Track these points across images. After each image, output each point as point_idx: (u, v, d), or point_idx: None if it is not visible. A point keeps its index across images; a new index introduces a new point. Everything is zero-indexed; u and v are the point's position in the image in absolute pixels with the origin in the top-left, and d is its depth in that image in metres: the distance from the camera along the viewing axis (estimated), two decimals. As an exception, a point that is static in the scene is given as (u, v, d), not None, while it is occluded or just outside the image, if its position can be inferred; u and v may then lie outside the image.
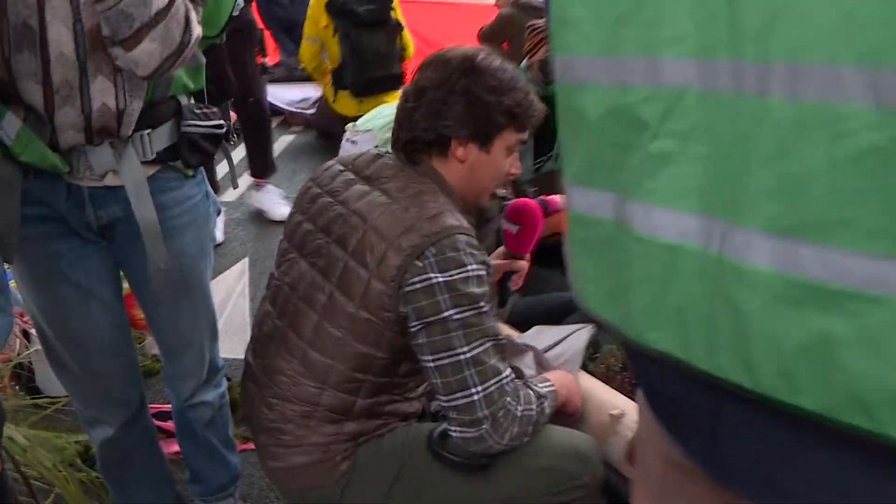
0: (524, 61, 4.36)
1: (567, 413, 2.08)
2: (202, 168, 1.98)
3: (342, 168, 1.99)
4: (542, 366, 2.28)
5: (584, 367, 2.70)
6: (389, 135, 3.36)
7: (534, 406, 1.82)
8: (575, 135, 1.03)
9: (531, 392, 1.85)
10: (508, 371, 1.78)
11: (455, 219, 1.78)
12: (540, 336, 2.51)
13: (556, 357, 2.41)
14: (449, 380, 1.73)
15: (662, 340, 0.91)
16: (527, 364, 2.25)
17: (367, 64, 5.19)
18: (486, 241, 2.86)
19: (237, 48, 4.00)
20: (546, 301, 3.17)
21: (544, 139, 4.33)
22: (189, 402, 2.22)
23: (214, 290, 3.88)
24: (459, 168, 1.90)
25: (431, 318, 1.72)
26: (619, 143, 0.92)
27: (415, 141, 1.88)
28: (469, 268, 1.73)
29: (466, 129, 1.84)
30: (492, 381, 1.72)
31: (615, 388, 2.67)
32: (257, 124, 4.68)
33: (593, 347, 2.75)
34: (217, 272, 4.07)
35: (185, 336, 2.09)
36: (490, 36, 5.85)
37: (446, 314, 1.71)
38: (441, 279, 1.71)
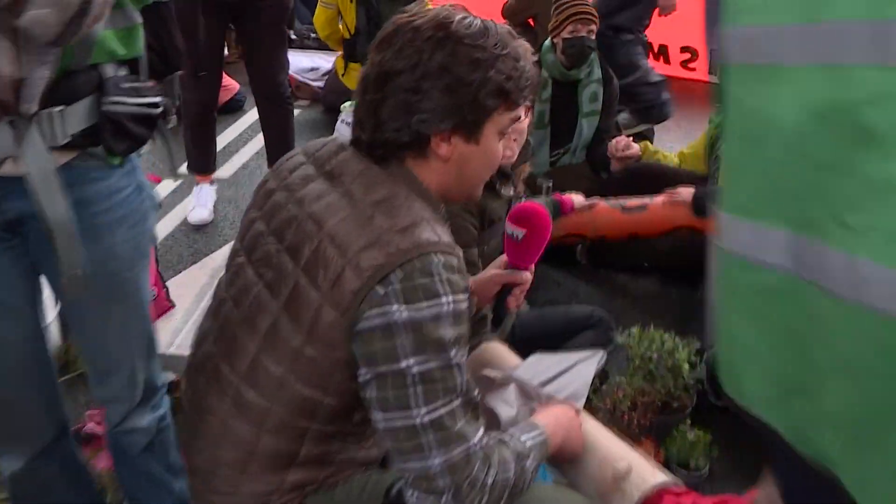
0: (548, 40, 4.00)
1: (564, 458, 1.80)
2: (132, 156, 1.63)
3: (303, 159, 1.65)
4: (531, 398, 1.94)
5: (586, 401, 2.37)
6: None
7: (511, 469, 1.52)
8: (751, 148, 0.74)
9: (508, 452, 1.55)
10: (480, 434, 1.48)
11: (432, 232, 1.45)
12: (539, 365, 2.16)
13: (558, 390, 2.06)
14: (402, 445, 1.43)
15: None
16: (506, 400, 1.92)
17: None
18: (490, 244, 2.52)
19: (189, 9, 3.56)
20: (552, 316, 2.83)
21: (561, 130, 4.06)
22: (120, 427, 1.89)
23: (198, 273, 3.66)
24: (442, 167, 1.56)
25: (384, 369, 1.41)
26: (825, 162, 0.62)
27: (385, 144, 1.53)
28: (443, 301, 1.40)
29: (448, 121, 1.50)
30: (456, 450, 1.43)
31: (622, 430, 2.35)
32: (277, 108, 4.20)
33: (599, 378, 2.41)
34: (204, 254, 3.80)
35: (112, 354, 1.77)
36: (516, 10, 5.50)
37: (403, 365, 1.39)
38: (405, 315, 1.39)
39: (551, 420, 1.76)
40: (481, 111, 1.51)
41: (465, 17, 1.50)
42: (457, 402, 1.44)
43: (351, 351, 1.43)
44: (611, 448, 1.93)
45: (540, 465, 1.66)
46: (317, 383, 1.47)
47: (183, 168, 4.24)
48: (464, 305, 1.44)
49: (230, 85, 5.37)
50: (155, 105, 1.57)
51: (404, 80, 1.47)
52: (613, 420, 2.38)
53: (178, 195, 4.34)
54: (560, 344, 2.64)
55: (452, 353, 1.41)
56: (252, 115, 5.18)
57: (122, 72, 1.54)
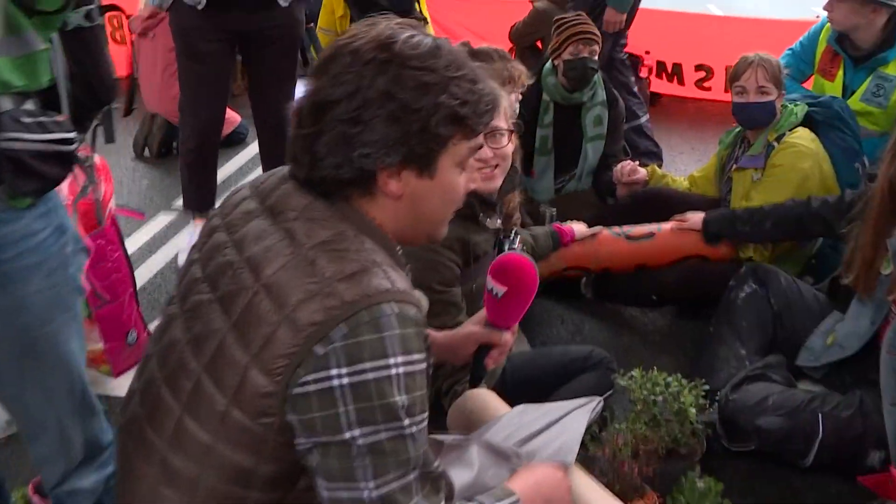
0: (548, 62, 3.83)
1: None
2: (51, 195, 1.47)
3: (247, 193, 1.48)
4: (506, 458, 1.73)
5: (582, 449, 2.16)
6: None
7: None
8: None
9: None
10: None
11: (385, 278, 1.27)
12: (523, 417, 1.95)
13: (544, 445, 1.84)
14: None
15: None
16: (466, 462, 1.70)
17: None
18: (477, 281, 2.33)
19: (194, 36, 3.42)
20: (547, 357, 2.62)
21: (565, 155, 3.88)
22: (60, 489, 1.73)
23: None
24: (395, 206, 1.39)
25: (325, 439, 1.24)
26: None
27: (324, 181, 1.35)
28: (391, 362, 1.23)
29: (395, 155, 1.32)
30: None
31: (622, 480, 2.14)
32: (280, 141, 3.92)
33: (598, 424, 2.21)
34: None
35: (34, 414, 1.62)
36: (522, 33, 5.38)
37: (347, 436, 1.22)
38: (346, 380, 1.21)
39: (530, 485, 1.57)
40: (433, 141, 1.33)
41: (411, 36, 1.33)
42: (412, 476, 1.27)
43: (286, 418, 1.26)
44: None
45: None
46: (248, 449, 1.30)
47: (178, 203, 4.10)
48: (419, 367, 1.27)
49: (231, 117, 5.25)
50: (67, 141, 1.41)
51: (342, 110, 1.30)
52: (612, 471, 2.16)
53: (172, 230, 4.18)
54: (555, 388, 2.45)
55: (405, 421, 1.24)
56: (254, 148, 5.05)
57: (28, 105, 1.38)
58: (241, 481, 1.32)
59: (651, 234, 3.10)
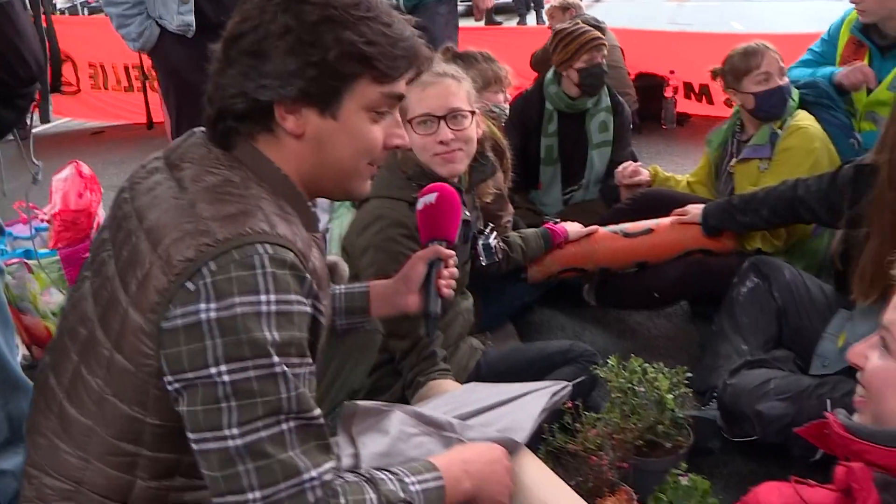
0: (550, 72, 3.76)
1: None
2: None
3: (160, 153, 1.46)
4: (441, 429, 1.61)
5: (550, 441, 2.02)
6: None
7: None
8: None
9: (371, 495, 1.28)
10: (324, 468, 1.22)
11: (265, 221, 1.24)
12: (473, 394, 1.84)
13: (492, 422, 1.72)
14: (216, 475, 1.19)
15: None
16: (381, 429, 1.59)
17: None
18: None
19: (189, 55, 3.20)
20: (524, 352, 2.50)
21: (573, 165, 3.79)
22: None
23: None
24: (298, 147, 1.36)
25: (192, 376, 1.18)
26: None
27: (223, 114, 1.34)
28: (262, 298, 1.18)
29: (292, 87, 1.30)
30: (282, 485, 1.19)
31: (593, 475, 1.98)
32: None
33: (572, 416, 2.06)
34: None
35: None
36: (543, 59, 5.27)
37: (213, 371, 1.17)
38: (213, 314, 1.17)
39: (456, 462, 1.46)
40: (333, 78, 1.31)
41: None
42: (286, 425, 1.19)
43: (161, 359, 1.22)
44: (536, 492, 1.58)
45: None
46: (134, 399, 1.27)
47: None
48: (296, 308, 1.22)
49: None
50: None
51: (246, 44, 1.30)
52: (582, 465, 2.01)
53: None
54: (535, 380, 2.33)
55: (276, 359, 1.18)
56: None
57: None
58: (129, 437, 1.29)
59: (649, 230, 2.94)
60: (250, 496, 1.17)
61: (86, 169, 3.04)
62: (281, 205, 1.32)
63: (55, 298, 2.94)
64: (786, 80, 3.15)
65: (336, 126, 1.35)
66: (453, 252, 1.85)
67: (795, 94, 3.19)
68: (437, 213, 1.86)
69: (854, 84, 3.29)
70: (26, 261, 2.86)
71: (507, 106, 3.12)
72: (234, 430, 1.16)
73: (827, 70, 3.46)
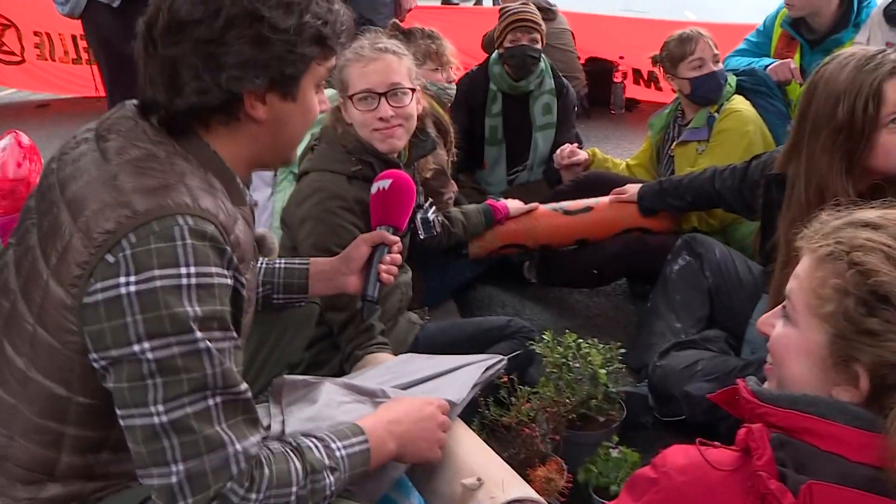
0: (495, 52, 3.78)
1: (414, 462, 1.57)
2: None
3: (93, 125, 1.43)
4: (373, 397, 1.63)
5: (485, 414, 2.06)
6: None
7: (293, 487, 1.28)
8: None
9: (296, 464, 1.29)
10: (249, 441, 1.23)
11: (187, 195, 1.24)
12: (407, 366, 1.86)
13: (427, 392, 1.75)
14: (141, 449, 1.20)
15: None
16: (311, 400, 1.61)
17: None
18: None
19: None
20: (462, 327, 2.52)
21: (517, 146, 3.81)
22: None
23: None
24: (255, 130, 1.37)
25: (116, 353, 1.18)
26: None
27: (190, 111, 1.30)
28: (182, 271, 1.18)
29: (263, 78, 1.30)
30: (205, 458, 1.20)
31: (525, 446, 2.02)
32: None
33: (507, 390, 2.09)
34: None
35: None
36: (491, 40, 5.30)
37: (136, 349, 1.17)
38: (133, 288, 1.17)
39: (383, 422, 1.48)
40: (300, 63, 1.32)
41: None
42: (212, 401, 1.20)
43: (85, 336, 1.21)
44: (467, 459, 1.61)
45: (353, 479, 1.40)
46: (58, 376, 1.26)
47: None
48: (217, 281, 1.22)
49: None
50: None
51: (204, 30, 1.26)
52: (516, 437, 2.04)
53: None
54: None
55: (199, 335, 1.18)
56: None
57: None
58: (54, 415, 1.28)
59: (589, 208, 2.99)
60: (174, 468, 1.18)
61: (25, 139, 2.99)
62: (208, 178, 1.31)
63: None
64: (720, 66, 3.22)
65: (294, 106, 1.38)
66: (399, 240, 1.87)
67: (732, 80, 3.27)
68: (389, 199, 1.90)
69: (781, 79, 3.39)
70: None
71: (449, 85, 3.13)
72: (160, 407, 1.17)
73: (765, 61, 3.55)
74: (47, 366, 1.26)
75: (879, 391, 1.07)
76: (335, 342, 2.22)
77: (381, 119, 2.19)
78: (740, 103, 3.18)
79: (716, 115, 3.17)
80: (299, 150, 2.63)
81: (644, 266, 2.96)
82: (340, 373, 2.17)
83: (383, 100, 2.18)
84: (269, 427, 1.54)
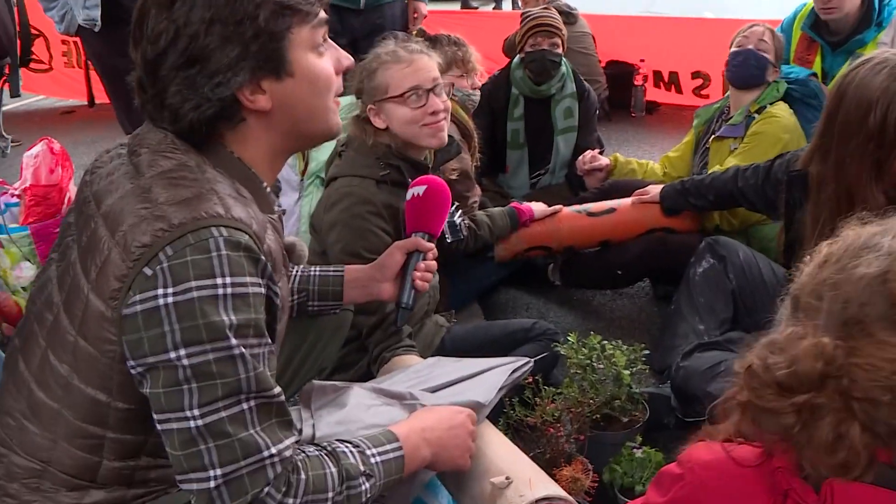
0: (517, 56, 3.82)
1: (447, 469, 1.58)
2: None
3: (125, 140, 1.47)
4: (403, 400, 1.67)
5: (511, 415, 2.09)
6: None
7: (329, 492, 1.31)
8: None
9: (332, 470, 1.32)
10: (283, 445, 1.26)
11: (220, 205, 1.26)
12: (434, 369, 1.89)
13: (455, 394, 1.78)
14: (178, 454, 1.23)
15: None
16: (340, 404, 1.64)
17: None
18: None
19: None
20: (488, 329, 2.56)
21: (539, 149, 3.84)
22: None
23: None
24: (266, 121, 1.38)
25: (153, 360, 1.22)
26: None
27: (193, 127, 1.33)
28: (217, 282, 1.21)
29: (244, 72, 1.31)
30: (241, 463, 1.23)
31: (550, 446, 2.05)
32: None
33: (532, 391, 2.13)
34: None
35: None
36: (513, 44, 5.34)
37: (173, 356, 1.20)
38: (171, 299, 1.20)
39: (417, 429, 1.51)
40: (273, 41, 1.32)
41: None
42: (246, 404, 1.24)
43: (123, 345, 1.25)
44: (495, 458, 1.65)
45: (387, 485, 1.42)
46: (99, 383, 1.30)
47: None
48: (252, 290, 1.25)
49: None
50: None
51: (174, 58, 1.29)
52: (542, 436, 2.08)
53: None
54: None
55: (234, 342, 1.21)
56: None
57: None
58: (95, 419, 1.32)
59: (612, 209, 3.03)
60: (211, 473, 1.21)
61: (56, 145, 3.04)
62: (237, 187, 1.34)
63: (26, 273, 2.95)
64: (769, 55, 3.22)
65: (295, 81, 1.36)
66: (434, 246, 1.88)
67: (781, 86, 3.24)
68: (424, 206, 1.90)
69: None
70: (-8, 235, 2.86)
71: (473, 91, 3.17)
72: (196, 412, 1.20)
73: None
74: (88, 374, 1.30)
75: None
76: (363, 344, 2.25)
77: (432, 114, 2.25)
78: (782, 110, 3.16)
79: (755, 115, 3.17)
80: (324, 153, 2.71)
81: (667, 266, 2.99)
82: (368, 374, 2.21)
83: (432, 94, 2.24)
84: (301, 431, 1.58)
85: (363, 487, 1.35)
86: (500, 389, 1.82)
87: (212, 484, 1.21)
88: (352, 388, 1.68)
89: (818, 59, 3.58)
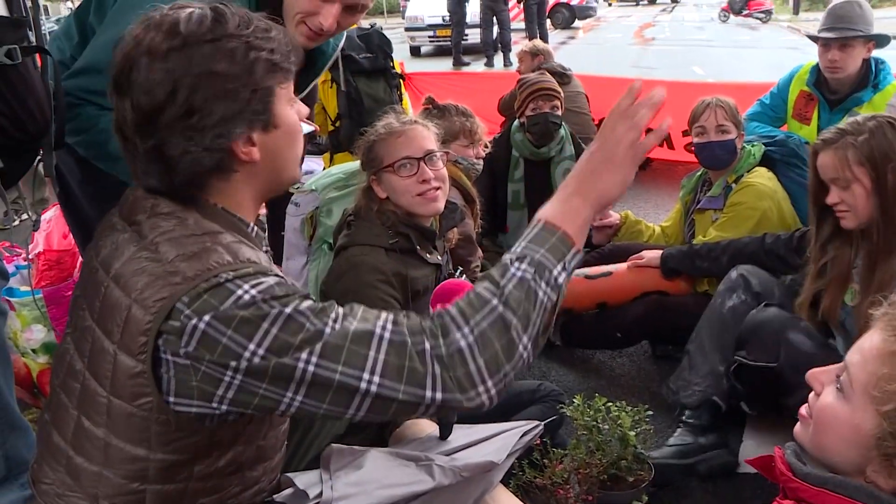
0: (516, 121, 3.93)
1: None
2: None
3: (115, 211, 1.50)
4: (409, 459, 1.72)
5: (520, 476, 2.14)
6: (335, 194, 2.96)
7: (486, 309, 1.29)
8: None
9: (470, 300, 1.32)
10: (384, 317, 1.33)
11: (227, 253, 1.31)
12: (454, 437, 1.94)
13: (468, 457, 1.83)
14: (323, 407, 1.25)
15: None
16: (357, 466, 1.69)
17: (363, 114, 4.73)
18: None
19: None
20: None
21: (539, 210, 3.85)
22: None
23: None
24: (252, 169, 1.41)
25: (234, 363, 1.23)
26: None
27: (189, 181, 1.38)
28: (241, 293, 1.24)
29: (241, 126, 1.35)
30: (374, 350, 1.26)
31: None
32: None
33: (540, 452, 2.18)
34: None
35: None
36: (510, 104, 5.47)
37: (247, 354, 1.22)
38: (207, 318, 1.23)
39: (561, 201, 1.39)
40: (267, 97, 1.37)
41: (191, 13, 1.35)
42: (333, 334, 1.25)
43: (161, 396, 1.28)
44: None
45: (571, 267, 1.37)
46: (137, 438, 1.33)
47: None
48: (273, 280, 1.28)
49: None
50: None
51: (172, 111, 1.31)
52: (550, 497, 2.13)
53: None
54: (501, 421, 2.43)
55: (276, 307, 1.23)
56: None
57: None
58: (136, 475, 1.35)
59: (608, 273, 3.14)
60: (364, 380, 1.23)
61: (69, 211, 3.11)
62: (234, 234, 1.38)
63: (37, 336, 3.00)
64: (726, 136, 3.22)
65: (278, 133, 1.40)
66: None
67: (758, 150, 3.29)
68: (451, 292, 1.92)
69: None
70: (8, 299, 2.91)
71: (478, 161, 3.26)
72: (303, 365, 1.23)
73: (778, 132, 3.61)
74: (126, 431, 1.32)
75: None
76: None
77: (422, 182, 2.30)
78: (759, 177, 3.19)
79: (733, 185, 3.22)
80: (333, 218, 2.76)
81: (666, 327, 3.07)
82: (378, 436, 2.25)
83: (422, 164, 2.30)
84: (321, 493, 1.62)
85: (532, 279, 1.31)
86: (513, 453, 1.87)
87: (373, 384, 1.23)
88: (369, 451, 1.73)
89: (814, 116, 3.69)
